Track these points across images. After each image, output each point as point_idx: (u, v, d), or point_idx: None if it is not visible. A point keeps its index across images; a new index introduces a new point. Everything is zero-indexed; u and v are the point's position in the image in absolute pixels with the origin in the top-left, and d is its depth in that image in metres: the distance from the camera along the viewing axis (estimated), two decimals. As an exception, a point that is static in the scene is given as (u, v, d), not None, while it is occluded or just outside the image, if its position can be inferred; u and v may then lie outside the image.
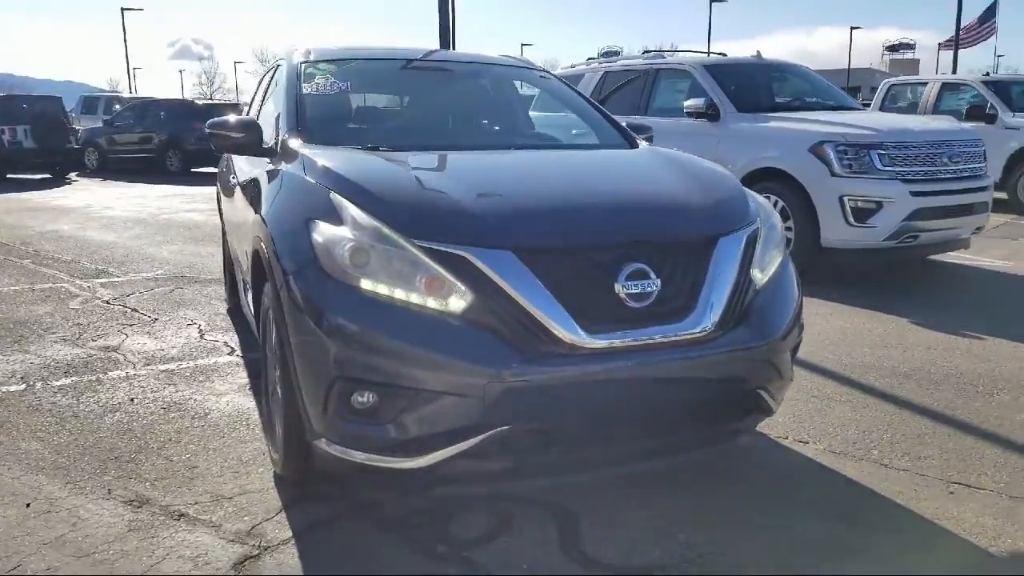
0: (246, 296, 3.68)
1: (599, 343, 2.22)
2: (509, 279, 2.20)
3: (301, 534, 2.47)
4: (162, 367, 4.12)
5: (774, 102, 7.45)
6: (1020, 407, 3.53)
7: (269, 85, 4.29)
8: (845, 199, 5.95)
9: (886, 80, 13.76)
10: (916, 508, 2.61)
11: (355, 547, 2.41)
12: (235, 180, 3.98)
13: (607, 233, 2.42)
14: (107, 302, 5.57)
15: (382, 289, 2.25)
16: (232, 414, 3.46)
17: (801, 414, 3.41)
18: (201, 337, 4.70)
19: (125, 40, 46.11)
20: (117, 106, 24.19)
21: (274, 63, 4.55)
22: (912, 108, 12.87)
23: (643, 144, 3.53)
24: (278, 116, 3.36)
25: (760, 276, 2.56)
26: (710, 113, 7.08)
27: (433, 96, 3.85)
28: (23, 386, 3.82)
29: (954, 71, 25.92)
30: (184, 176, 18.06)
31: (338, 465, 2.41)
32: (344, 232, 2.33)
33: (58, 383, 3.86)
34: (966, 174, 6.32)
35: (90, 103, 27.69)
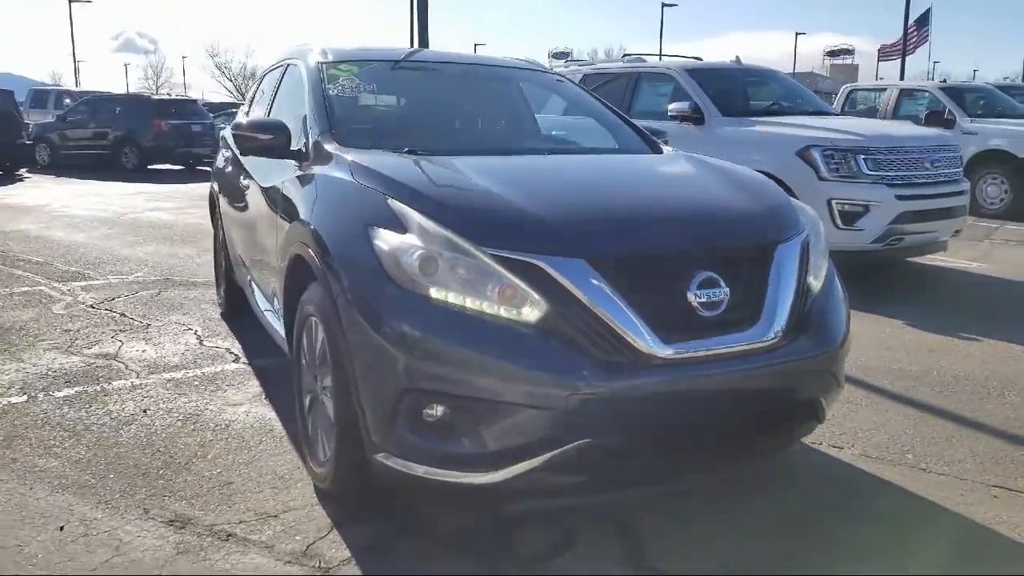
0: (271, 304, 3.58)
1: (676, 354, 2.20)
2: (584, 288, 2.16)
3: (360, 553, 2.40)
4: (167, 376, 3.99)
5: (755, 107, 7.55)
6: (1032, 409, 3.63)
7: (277, 85, 4.17)
8: (833, 202, 6.05)
9: (846, 85, 14.08)
10: (968, 513, 2.65)
11: (420, 566, 2.35)
12: (248, 183, 3.86)
13: (678, 241, 2.40)
14: (91, 306, 5.37)
15: (453, 298, 2.20)
16: (254, 425, 3.36)
17: (829, 418, 3.44)
18: (200, 343, 4.56)
19: (72, 33, 44.58)
20: (68, 100, 23.44)
21: (279, 63, 4.42)
22: (871, 113, 13.19)
23: (668, 149, 3.53)
24: (304, 118, 3.26)
25: (815, 283, 2.57)
26: (695, 117, 7.13)
27: (459, 99, 3.80)
28: (24, 397, 3.66)
29: (902, 77, 26.66)
30: (141, 174, 17.59)
31: (400, 480, 2.35)
32: (412, 240, 2.27)
33: (61, 394, 3.71)
34: (946, 179, 6.49)
35: (39, 97, 26.73)
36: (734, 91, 7.63)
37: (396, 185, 2.49)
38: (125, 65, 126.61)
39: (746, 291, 2.37)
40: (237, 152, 4.23)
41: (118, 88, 59.58)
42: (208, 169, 19.58)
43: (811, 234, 2.66)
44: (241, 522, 2.57)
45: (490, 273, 2.19)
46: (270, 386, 3.83)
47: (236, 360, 4.25)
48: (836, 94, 13.99)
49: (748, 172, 3.03)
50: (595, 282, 2.17)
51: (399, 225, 2.33)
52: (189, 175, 17.81)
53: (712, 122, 7.08)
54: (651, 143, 3.60)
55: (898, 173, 6.16)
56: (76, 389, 3.77)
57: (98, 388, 3.79)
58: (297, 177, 3.07)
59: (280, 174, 3.26)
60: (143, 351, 4.39)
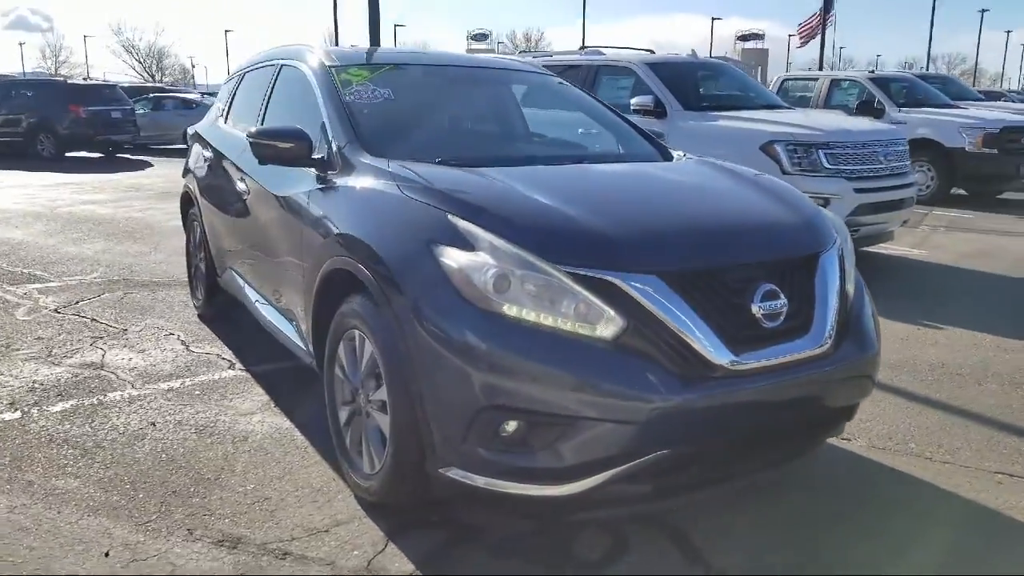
0: (282, 312, 3.52)
1: (746, 364, 2.28)
2: (658, 304, 2.22)
3: (423, 565, 2.41)
4: (164, 385, 3.87)
5: (714, 100, 7.74)
6: (1009, 395, 3.89)
7: (269, 88, 4.06)
8: (795, 196, 6.27)
9: (779, 76, 14.52)
10: (980, 500, 2.84)
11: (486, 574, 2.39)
12: (251, 188, 3.75)
13: (742, 255, 2.48)
14: (56, 311, 5.15)
15: (528, 315, 2.22)
16: (274, 436, 3.31)
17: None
18: (188, 349, 4.44)
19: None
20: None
21: (265, 63, 4.32)
22: (803, 102, 13.64)
23: (678, 154, 3.61)
24: (322, 126, 3.20)
25: (851, 290, 2.70)
26: (657, 111, 7.26)
27: (477, 104, 3.79)
28: (18, 413, 3.50)
29: (820, 63, 27.59)
30: (59, 162, 16.81)
31: (460, 492, 2.38)
32: (483, 258, 2.28)
33: (56, 409, 3.56)
34: (897, 171, 6.81)
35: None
36: (692, 85, 7.81)
37: (454, 201, 2.49)
38: (20, 44, 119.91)
39: (798, 301, 2.46)
40: (231, 155, 4.13)
41: (13, 69, 56.50)
42: (130, 157, 18.91)
43: (843, 242, 2.78)
44: (293, 539, 2.55)
45: (565, 290, 2.22)
46: (276, 394, 3.77)
47: (231, 367, 4.16)
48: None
49: (777, 181, 3.13)
50: (668, 297, 2.23)
51: (465, 242, 2.34)
52: (111, 164, 17.13)
53: (674, 116, 7.23)
54: (660, 147, 3.67)
55: (855, 167, 6.44)
56: (71, 403, 3.63)
57: (94, 401, 3.66)
58: (324, 187, 3.02)
59: (299, 182, 3.20)
60: (129, 359, 4.24)
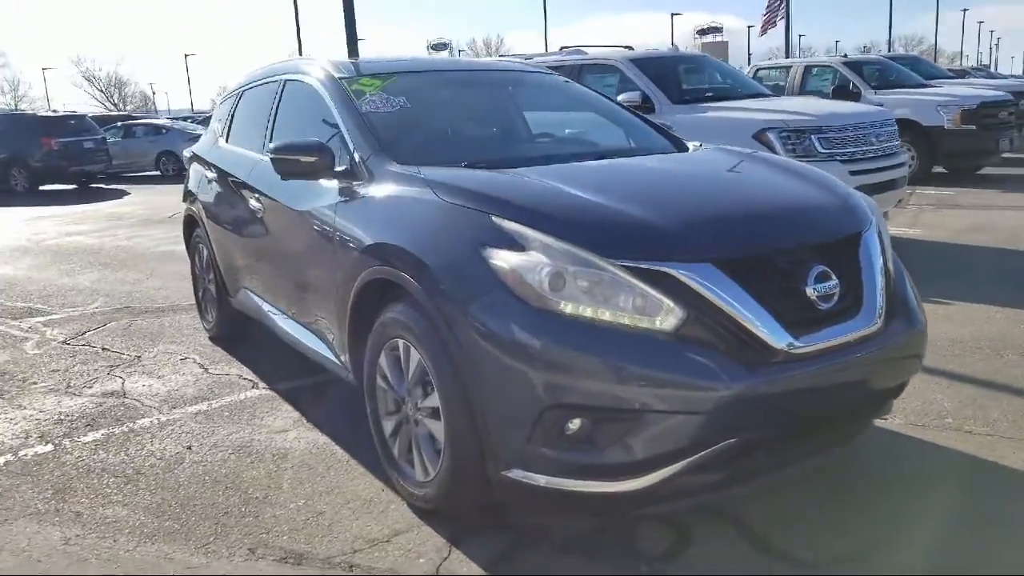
0: (309, 328, 3.49)
1: (806, 347, 2.29)
2: (715, 292, 2.22)
3: (492, 567, 2.41)
4: (192, 409, 3.83)
5: (700, 93, 7.81)
6: (1028, 363, 3.95)
7: (275, 103, 4.03)
8: (791, 182, 6.34)
9: (753, 65, 14.68)
10: (1026, 469, 2.89)
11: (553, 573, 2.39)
12: (265, 205, 3.72)
13: (793, 238, 2.49)
14: (65, 343, 5.08)
15: (586, 312, 2.22)
16: (313, 451, 3.29)
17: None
18: (206, 372, 4.40)
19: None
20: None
21: (267, 79, 4.29)
22: (779, 90, 13.78)
23: (693, 144, 3.64)
24: (341, 137, 3.19)
25: (892, 268, 2.73)
26: (645, 106, 7.31)
27: (491, 106, 3.80)
28: (50, 446, 3.45)
29: (787, 52, 27.87)
30: (34, 196, 16.66)
31: (526, 494, 2.37)
32: (536, 257, 2.28)
33: (88, 439, 3.51)
34: (888, 151, 6.91)
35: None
36: (677, 78, 7.87)
37: (496, 202, 2.49)
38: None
39: (848, 281, 2.47)
40: (239, 175, 4.10)
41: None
42: (104, 186, 18.68)
43: (879, 220, 2.81)
44: (355, 551, 2.53)
45: (621, 284, 2.22)
46: (305, 410, 3.74)
47: (255, 386, 4.13)
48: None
49: (806, 166, 3.15)
50: (725, 284, 2.23)
51: (514, 243, 2.33)
52: (87, 194, 16.93)
53: (663, 110, 7.28)
54: (673, 139, 3.70)
55: (849, 150, 6.53)
56: (101, 432, 3.58)
57: (125, 429, 3.61)
58: (350, 198, 3.01)
59: (321, 196, 3.18)
60: (150, 385, 4.19)
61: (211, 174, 4.60)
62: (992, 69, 43.65)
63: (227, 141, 4.65)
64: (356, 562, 2.47)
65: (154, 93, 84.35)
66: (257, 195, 3.81)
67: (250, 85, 4.61)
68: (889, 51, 37.82)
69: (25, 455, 3.38)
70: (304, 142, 3.11)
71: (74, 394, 4.10)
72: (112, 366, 4.55)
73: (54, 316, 5.84)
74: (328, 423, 3.56)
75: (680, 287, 2.22)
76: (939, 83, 13.04)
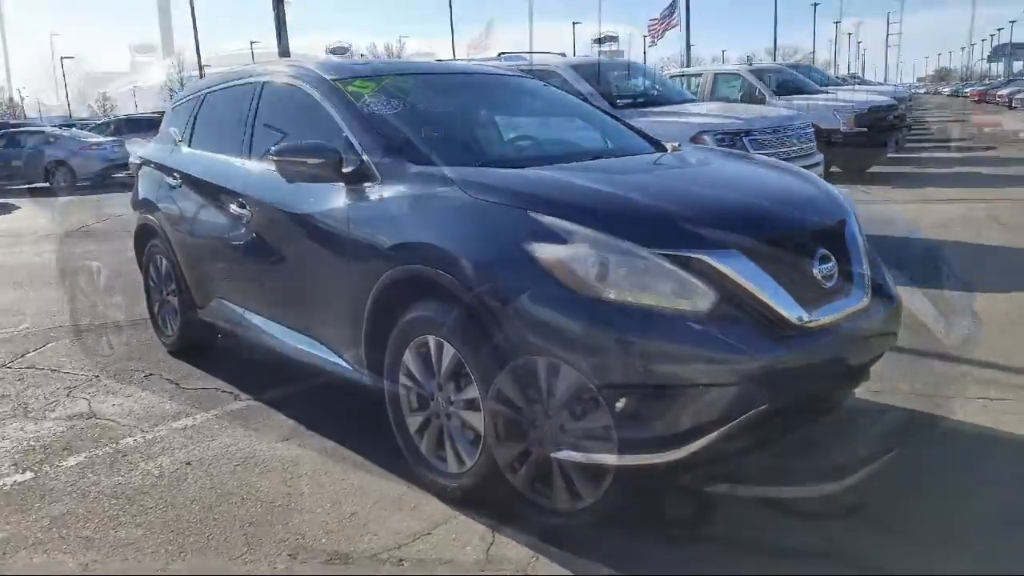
0: (353, 331, 3.37)
1: (817, 320, 2.52)
2: (743, 275, 2.41)
3: (540, 548, 2.47)
4: (175, 424, 3.70)
5: (634, 98, 8.07)
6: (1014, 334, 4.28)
7: (252, 106, 3.94)
8: (725, 181, 6.66)
9: (667, 71, 15.24)
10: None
11: (600, 547, 2.47)
12: (253, 212, 3.62)
13: (802, 225, 2.75)
14: (5, 366, 4.78)
15: (630, 298, 2.36)
16: (325, 456, 3.24)
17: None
18: (179, 387, 4.23)
19: None
20: None
21: (240, 80, 4.19)
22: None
23: (671, 145, 3.80)
24: (345, 139, 3.18)
25: (870, 251, 2.98)
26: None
27: (483, 107, 3.84)
28: (29, 474, 3.25)
29: (688, 61, 28.84)
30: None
31: (576, 472, 2.46)
32: (583, 249, 2.40)
33: (69, 463, 3.33)
34: (806, 152, 7.34)
35: None
36: (612, 85, 8.11)
37: (533, 199, 2.59)
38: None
39: (841, 262, 2.74)
40: (215, 180, 3.99)
41: None
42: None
43: (854, 209, 3.07)
44: (400, 546, 2.54)
45: (661, 271, 2.38)
46: (299, 417, 3.67)
47: (236, 398, 4.01)
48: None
49: (786, 163, 3.44)
50: (750, 268, 2.44)
51: (556, 237, 2.45)
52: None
53: (601, 115, 7.48)
54: (653, 140, 3.86)
55: (774, 150, 6.88)
56: (84, 455, 3.40)
57: (109, 450, 3.45)
58: (363, 200, 3.00)
59: (325, 199, 3.15)
60: (120, 404, 4.01)
61: (173, 180, 4.44)
62: (863, 77, 46.63)
63: (190, 146, 4.51)
64: (404, 556, 2.48)
65: (23, 98, 79.17)
66: (240, 199, 3.71)
67: (213, 88, 4.49)
68: (774, 60, 39.74)
69: (3, 485, 3.17)
70: (312, 144, 3.08)
71: (37, 419, 3.88)
72: (70, 387, 4.33)
73: (-18, 341, 5.47)
74: (330, 428, 3.50)
75: (712, 271, 2.40)
76: (832, 89, 13.89)
